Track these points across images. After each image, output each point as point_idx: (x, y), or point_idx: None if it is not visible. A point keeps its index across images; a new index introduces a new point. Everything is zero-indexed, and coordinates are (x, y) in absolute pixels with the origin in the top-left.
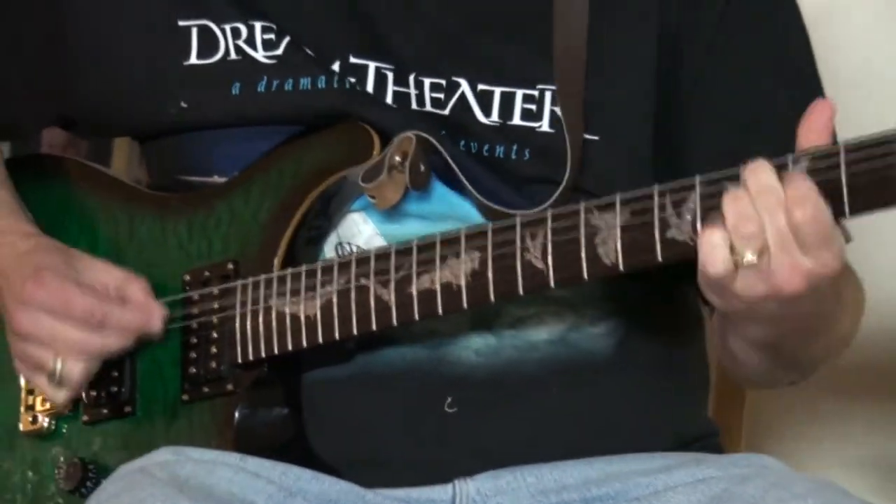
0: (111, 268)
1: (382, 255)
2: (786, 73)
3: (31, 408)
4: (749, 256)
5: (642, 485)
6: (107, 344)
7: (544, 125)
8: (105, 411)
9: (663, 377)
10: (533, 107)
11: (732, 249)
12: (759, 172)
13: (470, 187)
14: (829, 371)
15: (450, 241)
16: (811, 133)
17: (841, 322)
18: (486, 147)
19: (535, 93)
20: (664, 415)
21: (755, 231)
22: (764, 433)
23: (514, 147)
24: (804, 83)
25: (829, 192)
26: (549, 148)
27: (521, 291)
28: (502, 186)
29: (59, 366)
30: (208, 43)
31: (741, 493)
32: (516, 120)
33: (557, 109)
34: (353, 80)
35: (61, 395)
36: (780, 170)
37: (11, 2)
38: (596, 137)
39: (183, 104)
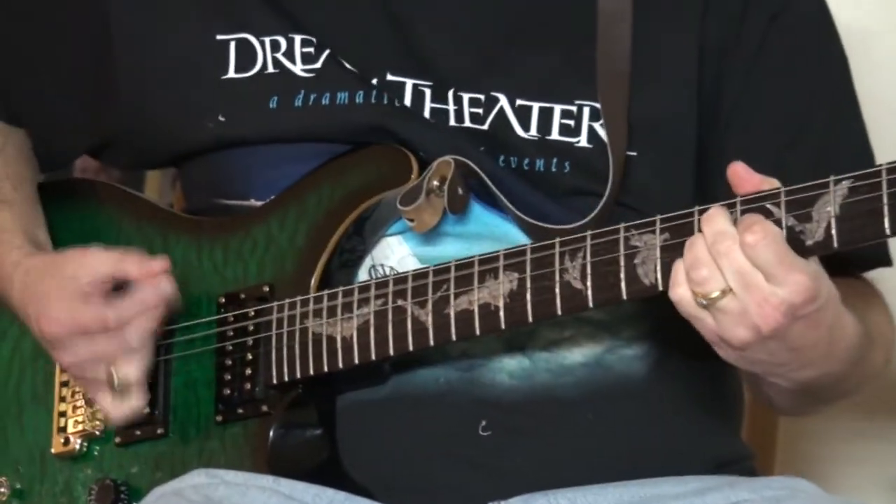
0: (100, 256)
1: (420, 276)
2: (824, 95)
3: (63, 430)
4: (713, 294)
5: None
6: (140, 328)
7: (582, 140)
8: (138, 433)
9: (698, 400)
10: (571, 122)
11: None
12: (713, 219)
13: (510, 206)
14: (863, 393)
15: (488, 262)
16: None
17: (870, 359)
18: (526, 161)
19: (574, 108)
20: (699, 438)
21: (706, 276)
22: (798, 455)
23: (555, 160)
24: (842, 105)
25: (871, 212)
26: (589, 162)
27: (559, 312)
28: (544, 200)
29: (115, 374)
30: (246, 56)
31: None
32: (555, 135)
33: (596, 125)
34: (390, 97)
35: (133, 403)
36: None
37: (58, 28)
38: (635, 153)
39: (221, 118)
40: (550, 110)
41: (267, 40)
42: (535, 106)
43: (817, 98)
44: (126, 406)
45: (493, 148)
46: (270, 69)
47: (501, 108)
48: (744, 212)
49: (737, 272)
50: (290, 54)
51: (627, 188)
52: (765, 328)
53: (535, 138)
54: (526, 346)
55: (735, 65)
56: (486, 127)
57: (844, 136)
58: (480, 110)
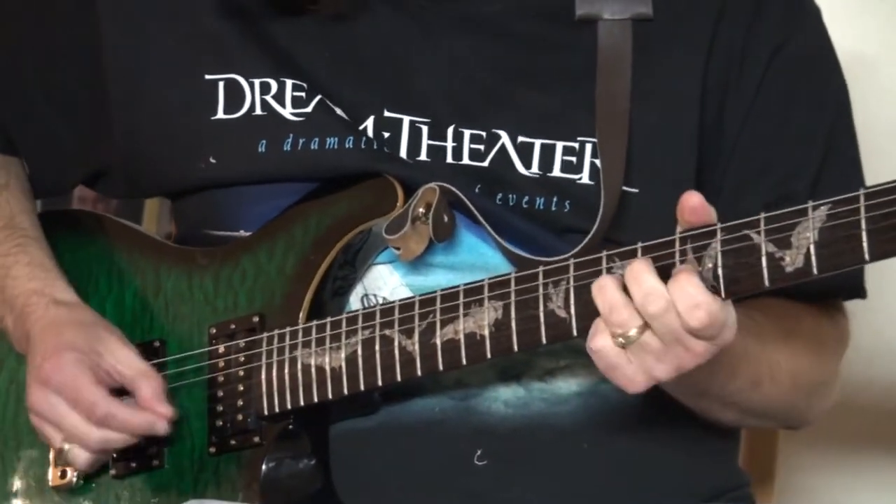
0: (132, 358)
1: (406, 306)
2: (822, 131)
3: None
4: (630, 333)
5: None
6: (107, 440)
7: (584, 177)
8: (133, 465)
9: (693, 428)
10: (573, 159)
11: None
12: (641, 277)
13: (496, 236)
14: (862, 420)
15: (473, 291)
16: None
17: (768, 358)
18: (525, 199)
19: (576, 145)
20: (695, 466)
21: (625, 320)
22: (797, 484)
23: (555, 198)
24: (839, 141)
25: (849, 237)
26: (590, 200)
27: (544, 341)
28: (542, 234)
29: (66, 448)
30: (234, 97)
31: None
32: (556, 172)
33: (598, 162)
34: (386, 134)
35: (71, 468)
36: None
37: (53, 60)
38: (635, 190)
39: (212, 160)
40: (553, 147)
41: (256, 82)
42: (538, 143)
43: (815, 134)
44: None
45: (491, 185)
46: (258, 111)
47: (503, 145)
48: (726, 240)
49: (669, 330)
50: (280, 97)
51: (624, 225)
52: (689, 367)
53: (537, 175)
54: (521, 375)
55: (737, 100)
56: (486, 164)
57: (840, 172)
58: (482, 147)
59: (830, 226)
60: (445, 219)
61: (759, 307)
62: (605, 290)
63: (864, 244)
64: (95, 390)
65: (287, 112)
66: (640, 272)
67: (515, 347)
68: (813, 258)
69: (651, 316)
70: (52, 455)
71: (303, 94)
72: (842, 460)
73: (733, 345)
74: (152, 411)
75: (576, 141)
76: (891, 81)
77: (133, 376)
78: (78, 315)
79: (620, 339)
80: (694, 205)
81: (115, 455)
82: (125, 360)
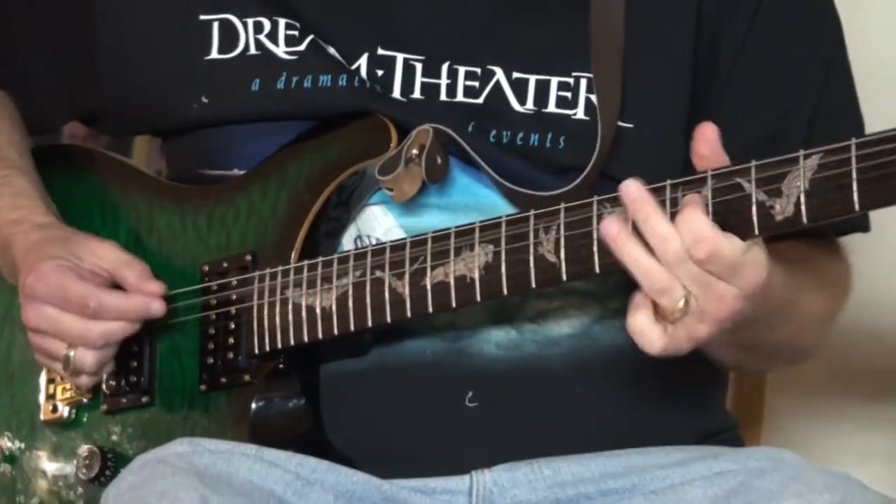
0: (108, 251)
1: (398, 248)
2: (818, 64)
3: (51, 397)
4: (679, 305)
5: (659, 478)
6: (108, 331)
7: (579, 112)
8: (124, 401)
9: (682, 372)
10: (568, 94)
11: (657, 312)
12: (653, 222)
13: (489, 170)
14: (850, 365)
15: (464, 234)
16: (702, 160)
17: (807, 305)
18: (520, 135)
19: (571, 80)
20: (684, 409)
21: (666, 284)
22: (784, 427)
23: (550, 135)
24: (835, 75)
25: (840, 187)
26: (584, 135)
27: (533, 285)
28: (537, 173)
29: (71, 354)
30: (229, 37)
31: (758, 487)
32: (551, 108)
33: (593, 97)
34: (380, 72)
35: (82, 381)
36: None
37: (45, 6)
38: (630, 125)
39: (204, 99)
40: (547, 83)
41: (250, 21)
42: (532, 78)
43: (812, 69)
44: (75, 381)
45: (485, 122)
46: (253, 51)
47: (498, 82)
48: (718, 188)
49: (693, 277)
50: (273, 36)
51: (619, 160)
52: (727, 316)
53: (531, 112)
54: (514, 317)
55: (729, 36)
56: (480, 101)
57: (837, 109)
58: (476, 83)
59: (821, 176)
60: (438, 160)
61: (785, 252)
62: (639, 261)
63: (855, 194)
64: (82, 286)
65: (280, 51)
66: (656, 219)
67: (505, 291)
68: (803, 207)
69: (669, 263)
70: (42, 391)
71: (295, 32)
72: (829, 404)
73: (782, 293)
74: (143, 292)
75: (571, 76)
76: (887, 19)
77: (114, 267)
78: (54, 232)
79: (677, 314)
80: (709, 136)
81: (106, 391)
82: (104, 255)
